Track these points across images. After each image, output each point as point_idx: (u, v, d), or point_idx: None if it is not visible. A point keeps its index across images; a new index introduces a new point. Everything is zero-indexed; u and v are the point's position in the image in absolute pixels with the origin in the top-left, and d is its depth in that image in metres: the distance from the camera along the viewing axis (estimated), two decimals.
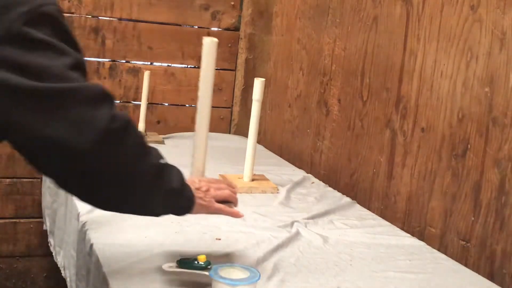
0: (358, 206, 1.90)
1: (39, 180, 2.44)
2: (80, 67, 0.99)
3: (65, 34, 0.99)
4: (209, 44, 1.27)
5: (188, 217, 1.61)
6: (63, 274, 1.80)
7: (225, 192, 1.30)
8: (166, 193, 1.13)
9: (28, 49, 0.93)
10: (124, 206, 1.13)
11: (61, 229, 1.87)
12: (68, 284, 1.70)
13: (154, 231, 1.49)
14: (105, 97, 1.00)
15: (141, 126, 2.41)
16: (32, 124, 0.94)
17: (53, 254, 1.98)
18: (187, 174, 1.25)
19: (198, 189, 1.23)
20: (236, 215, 1.31)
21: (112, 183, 1.05)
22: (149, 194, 1.11)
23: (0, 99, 0.92)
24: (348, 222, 1.72)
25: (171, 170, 1.16)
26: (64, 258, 1.80)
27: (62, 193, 1.89)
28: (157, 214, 1.19)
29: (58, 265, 1.88)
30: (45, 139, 0.94)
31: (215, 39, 1.26)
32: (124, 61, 2.62)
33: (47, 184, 2.16)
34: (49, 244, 2.07)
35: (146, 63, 2.66)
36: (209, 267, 1.20)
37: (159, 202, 1.14)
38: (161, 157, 1.14)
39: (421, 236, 1.71)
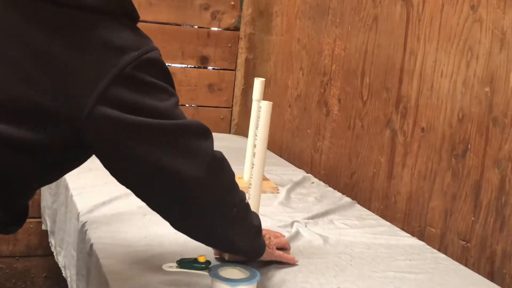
0: (358, 206, 1.90)
1: None
2: (179, 105, 1.10)
3: (167, 77, 1.09)
4: (266, 107, 1.36)
5: None
6: (63, 274, 1.80)
7: (282, 240, 1.39)
8: (250, 228, 1.21)
9: (139, 91, 1.00)
10: (214, 234, 1.18)
11: (62, 229, 1.87)
12: (69, 284, 1.70)
13: (154, 231, 1.49)
14: (207, 131, 1.11)
15: None
16: (149, 156, 1.03)
17: (54, 254, 1.98)
18: None
19: (263, 236, 1.29)
20: (293, 261, 1.38)
21: (210, 211, 1.12)
22: (238, 225, 1.18)
23: (112, 133, 1.01)
24: (348, 222, 1.72)
25: (251, 210, 1.23)
26: (65, 258, 1.80)
27: (62, 193, 1.89)
28: (238, 249, 1.24)
29: (59, 265, 1.88)
30: (162, 168, 1.04)
31: (271, 103, 1.36)
32: None
33: (50, 185, 2.16)
34: (50, 244, 2.07)
35: None
36: (209, 267, 1.20)
37: (243, 237, 1.21)
38: (244, 194, 1.21)
39: (421, 236, 1.71)
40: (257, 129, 1.38)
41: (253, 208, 1.35)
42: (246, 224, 1.20)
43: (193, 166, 1.05)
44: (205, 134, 1.11)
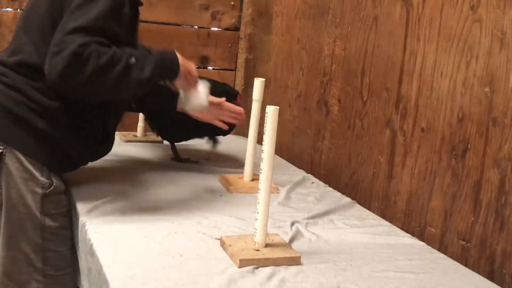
0: (358, 206, 1.90)
1: None
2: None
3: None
4: (272, 112, 1.37)
5: (188, 217, 1.62)
6: None
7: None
8: (139, 83, 1.50)
9: None
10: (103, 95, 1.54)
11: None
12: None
13: (154, 231, 1.49)
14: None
15: (140, 126, 2.41)
16: None
17: None
18: None
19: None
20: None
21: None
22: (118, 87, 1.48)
23: None
24: (348, 222, 1.72)
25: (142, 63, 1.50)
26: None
27: None
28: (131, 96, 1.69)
29: None
30: None
31: (277, 107, 1.38)
32: None
33: None
34: None
35: None
36: None
37: (135, 89, 1.53)
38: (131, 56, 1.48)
39: (421, 236, 1.71)
40: (264, 134, 1.37)
41: (262, 213, 1.38)
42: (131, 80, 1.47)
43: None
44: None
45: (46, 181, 1.58)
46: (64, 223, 1.63)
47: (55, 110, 1.55)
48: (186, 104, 1.71)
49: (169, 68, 1.58)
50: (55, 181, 1.60)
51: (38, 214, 1.57)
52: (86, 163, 1.75)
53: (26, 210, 1.56)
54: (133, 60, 1.47)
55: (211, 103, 1.83)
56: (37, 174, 1.57)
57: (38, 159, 1.57)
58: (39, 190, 1.57)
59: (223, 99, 1.90)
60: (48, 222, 1.59)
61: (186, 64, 1.62)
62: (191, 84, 1.67)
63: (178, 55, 1.60)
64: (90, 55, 1.39)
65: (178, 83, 1.63)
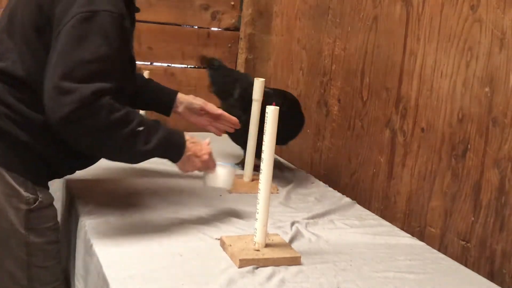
0: (358, 206, 1.90)
1: None
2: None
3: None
4: (272, 112, 1.35)
5: (188, 217, 1.62)
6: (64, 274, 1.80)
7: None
8: (139, 154, 1.44)
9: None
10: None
11: (63, 229, 1.86)
12: (70, 284, 1.70)
13: (154, 231, 1.49)
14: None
15: None
16: None
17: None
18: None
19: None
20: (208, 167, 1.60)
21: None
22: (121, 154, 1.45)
23: None
24: (348, 222, 1.72)
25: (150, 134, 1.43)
26: (66, 258, 1.80)
27: (62, 194, 1.89)
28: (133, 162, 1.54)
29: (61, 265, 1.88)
30: None
31: (277, 107, 1.36)
32: None
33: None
34: None
35: (146, 63, 2.66)
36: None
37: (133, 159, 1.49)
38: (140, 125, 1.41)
39: (421, 236, 1.71)
40: (264, 134, 1.37)
41: (262, 213, 1.37)
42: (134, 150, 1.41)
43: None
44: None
45: (31, 196, 1.49)
46: (52, 237, 1.56)
47: (39, 123, 1.43)
48: (204, 183, 1.60)
49: (172, 150, 1.50)
50: (41, 195, 1.51)
51: (22, 230, 1.48)
52: (73, 173, 1.67)
53: (9, 227, 1.47)
54: (141, 128, 1.40)
55: (211, 113, 1.82)
56: (20, 189, 1.47)
57: (21, 173, 1.47)
58: (23, 206, 1.48)
59: (223, 112, 1.84)
60: (33, 238, 1.50)
61: (196, 148, 1.53)
62: (200, 168, 1.56)
63: (191, 138, 1.53)
64: (102, 107, 1.34)
65: (180, 166, 1.53)
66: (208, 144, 1.58)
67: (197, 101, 1.84)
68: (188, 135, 1.53)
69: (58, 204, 1.95)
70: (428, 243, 1.63)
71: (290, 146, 2.48)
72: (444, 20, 1.68)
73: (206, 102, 1.84)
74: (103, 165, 1.93)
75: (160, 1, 2.61)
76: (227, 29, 2.76)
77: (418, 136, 1.77)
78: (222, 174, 1.57)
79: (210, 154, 1.55)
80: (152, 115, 1.98)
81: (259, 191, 1.37)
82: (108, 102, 1.34)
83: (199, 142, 1.55)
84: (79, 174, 1.77)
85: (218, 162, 1.58)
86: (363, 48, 2.03)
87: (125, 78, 1.50)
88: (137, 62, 2.60)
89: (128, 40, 1.51)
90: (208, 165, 1.56)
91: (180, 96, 1.84)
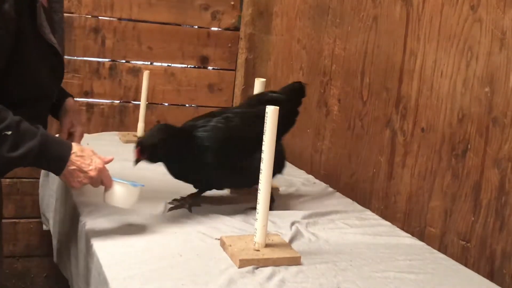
0: (358, 206, 1.90)
1: (39, 180, 2.44)
2: None
3: None
4: (272, 112, 1.34)
5: (188, 217, 1.62)
6: (65, 275, 1.80)
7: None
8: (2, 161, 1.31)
9: None
10: None
11: (63, 229, 1.86)
12: (70, 284, 1.70)
13: (154, 231, 1.49)
14: None
15: (140, 126, 2.40)
16: None
17: (55, 254, 1.97)
18: None
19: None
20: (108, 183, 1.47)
21: None
22: None
23: None
24: (348, 222, 1.72)
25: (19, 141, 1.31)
26: (66, 258, 1.80)
27: (62, 194, 1.89)
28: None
29: (62, 266, 1.88)
30: None
31: (277, 108, 1.34)
32: (124, 61, 2.62)
33: (49, 185, 2.16)
34: (52, 245, 2.07)
35: (146, 63, 2.66)
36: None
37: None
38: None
39: (421, 236, 1.71)
40: (264, 134, 1.37)
41: (262, 212, 1.36)
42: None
43: None
44: None
45: None
46: None
47: None
48: (103, 199, 1.48)
49: (49, 162, 1.38)
50: None
51: None
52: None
53: None
54: (9, 132, 1.29)
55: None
56: None
57: None
58: None
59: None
60: None
61: (83, 162, 1.40)
62: (91, 184, 1.43)
63: (80, 151, 1.41)
64: None
65: (64, 180, 1.43)
66: (108, 161, 1.48)
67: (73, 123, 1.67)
68: (78, 148, 1.41)
69: (58, 203, 1.95)
70: (428, 243, 1.63)
71: (290, 146, 2.48)
72: (444, 20, 1.68)
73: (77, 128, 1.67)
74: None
75: (160, 1, 2.61)
76: (227, 29, 2.76)
77: (418, 136, 1.77)
78: (119, 192, 1.45)
79: (100, 170, 1.41)
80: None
81: (259, 191, 1.37)
82: None
83: (91, 156, 1.42)
84: None
85: (116, 179, 1.45)
86: (363, 48, 2.03)
87: (19, 61, 1.38)
88: (137, 62, 2.64)
89: (7, 25, 1.34)
90: (97, 182, 1.43)
91: (70, 103, 1.69)
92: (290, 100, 1.84)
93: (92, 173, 1.40)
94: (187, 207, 1.68)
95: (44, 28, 1.43)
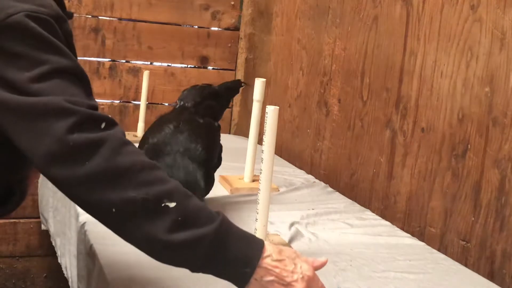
0: (358, 206, 1.90)
1: (38, 180, 2.44)
2: (59, 71, 0.95)
3: (39, 41, 0.94)
4: (272, 112, 1.35)
5: None
6: (65, 275, 1.80)
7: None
8: (147, 237, 0.95)
9: None
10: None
11: (62, 229, 1.87)
12: (70, 285, 1.70)
13: None
14: (66, 109, 0.91)
15: (140, 126, 2.41)
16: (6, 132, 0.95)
17: (58, 254, 1.97)
18: None
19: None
20: None
21: (84, 207, 0.99)
22: (122, 230, 0.96)
23: None
24: (348, 222, 1.72)
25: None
26: (66, 258, 1.80)
27: (61, 194, 1.89)
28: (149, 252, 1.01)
29: (61, 266, 1.88)
30: (19, 147, 0.95)
31: (277, 107, 1.34)
32: (124, 61, 2.62)
33: (48, 185, 2.16)
34: (53, 244, 2.07)
35: (146, 63, 2.66)
36: None
37: (140, 244, 0.99)
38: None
39: (421, 236, 1.71)
40: (264, 134, 1.37)
41: (262, 213, 1.36)
42: (139, 230, 0.95)
43: (38, 148, 0.91)
44: (62, 113, 0.91)
45: None
46: None
47: None
48: None
49: (226, 263, 0.96)
50: None
51: None
52: None
53: None
54: (173, 204, 0.92)
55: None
56: None
57: None
58: None
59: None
60: None
61: (283, 270, 0.98)
62: None
63: (279, 254, 0.98)
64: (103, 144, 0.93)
65: None
66: (320, 265, 1.06)
67: None
68: (274, 248, 0.98)
69: (59, 204, 1.95)
70: (428, 243, 1.63)
71: (290, 146, 2.48)
72: (444, 20, 1.68)
73: None
74: None
75: (160, 1, 2.61)
76: (227, 29, 2.76)
77: (418, 136, 1.77)
78: None
79: (310, 280, 1.01)
80: None
81: (259, 191, 1.37)
82: (109, 137, 0.96)
83: (294, 259, 1.00)
84: None
85: None
86: (363, 48, 2.03)
87: None
88: (137, 62, 2.65)
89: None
90: None
91: None
92: (227, 95, 1.93)
93: (298, 286, 0.99)
94: None
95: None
